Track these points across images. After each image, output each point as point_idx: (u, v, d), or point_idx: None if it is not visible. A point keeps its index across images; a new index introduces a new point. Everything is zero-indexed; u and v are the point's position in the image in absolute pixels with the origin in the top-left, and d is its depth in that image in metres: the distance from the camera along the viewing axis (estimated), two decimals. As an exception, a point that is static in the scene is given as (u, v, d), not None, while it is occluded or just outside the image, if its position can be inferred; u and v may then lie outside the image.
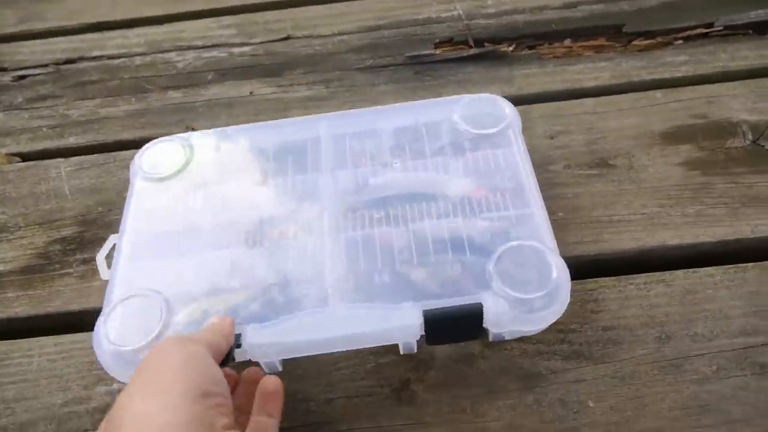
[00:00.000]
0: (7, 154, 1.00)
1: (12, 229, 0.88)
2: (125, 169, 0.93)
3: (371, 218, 0.69)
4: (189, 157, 0.79)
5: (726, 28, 0.97)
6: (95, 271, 0.81)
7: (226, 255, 0.68)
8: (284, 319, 0.61)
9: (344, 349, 0.62)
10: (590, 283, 0.70)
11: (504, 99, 0.78)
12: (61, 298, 0.79)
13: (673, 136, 0.83)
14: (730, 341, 0.65)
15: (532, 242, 0.63)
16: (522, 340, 0.66)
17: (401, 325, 0.59)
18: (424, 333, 0.59)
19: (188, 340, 0.53)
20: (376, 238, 0.67)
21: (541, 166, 0.82)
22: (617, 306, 0.68)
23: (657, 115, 0.86)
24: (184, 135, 0.82)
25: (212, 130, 0.83)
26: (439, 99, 0.82)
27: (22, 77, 1.11)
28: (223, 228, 0.71)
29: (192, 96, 1.03)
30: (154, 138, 0.83)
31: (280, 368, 0.65)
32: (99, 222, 0.87)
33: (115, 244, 0.72)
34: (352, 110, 0.82)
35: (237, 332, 0.60)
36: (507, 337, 0.65)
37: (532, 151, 0.82)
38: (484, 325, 0.59)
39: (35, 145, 1.00)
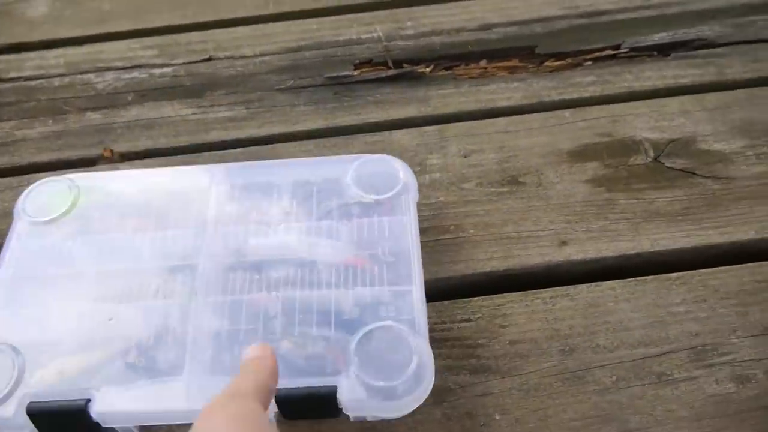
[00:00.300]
0: None
1: None
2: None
3: (245, 282, 0.66)
4: (75, 200, 0.75)
5: (632, 50, 1.02)
6: None
7: (95, 309, 0.66)
8: (140, 385, 0.59)
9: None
10: (498, 299, 0.72)
11: (400, 161, 0.75)
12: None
13: (580, 154, 0.86)
14: (630, 352, 0.67)
15: (400, 324, 0.61)
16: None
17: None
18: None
19: (237, 397, 0.45)
20: (244, 305, 0.64)
21: (454, 184, 0.84)
22: (524, 320, 0.70)
23: (565, 133, 0.89)
24: (71, 176, 0.78)
25: (102, 173, 0.81)
26: (338, 157, 0.81)
27: None
28: (95, 280, 0.68)
29: (111, 117, 1.01)
30: (71, 160, 0.82)
31: None
32: (9, 247, 0.85)
33: None
34: (251, 162, 0.79)
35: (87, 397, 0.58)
36: (369, 419, 0.62)
37: (447, 169, 0.84)
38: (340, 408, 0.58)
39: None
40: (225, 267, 0.68)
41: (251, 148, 0.91)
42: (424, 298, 0.64)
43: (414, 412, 0.61)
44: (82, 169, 0.89)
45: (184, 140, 0.95)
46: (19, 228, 0.74)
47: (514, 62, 1.03)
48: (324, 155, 0.87)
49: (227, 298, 0.65)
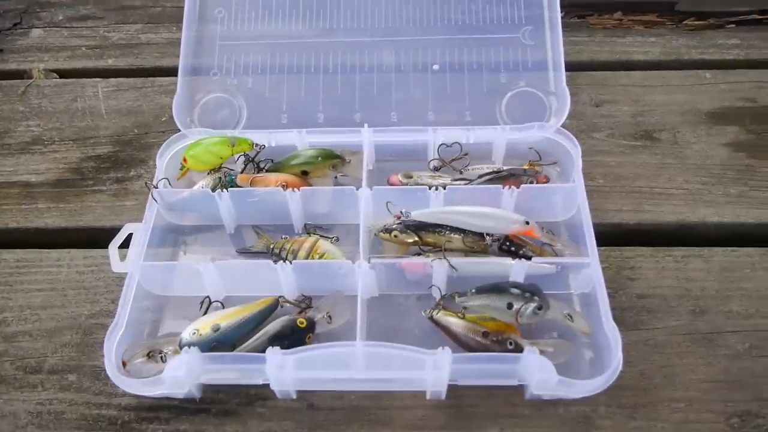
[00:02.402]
0: (44, 70, 0.97)
1: (46, 142, 0.87)
2: (163, 95, 0.92)
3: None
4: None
5: (781, 15, 0.95)
6: (128, 192, 0.80)
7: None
8: (306, 349, 0.57)
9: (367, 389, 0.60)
10: (628, 251, 0.69)
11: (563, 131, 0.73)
12: (92, 214, 0.78)
13: (721, 117, 0.81)
14: (765, 321, 0.63)
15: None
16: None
17: (434, 372, 0.55)
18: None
19: None
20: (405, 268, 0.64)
21: (584, 131, 0.80)
22: (654, 275, 0.67)
23: (705, 94, 0.84)
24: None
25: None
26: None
27: (64, -4, 1.08)
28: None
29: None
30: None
31: (294, 396, 0.61)
32: (135, 143, 0.86)
33: (131, 234, 0.68)
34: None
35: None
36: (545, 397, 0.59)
37: (577, 116, 0.80)
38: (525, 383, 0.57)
39: (74, 63, 0.98)
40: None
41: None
42: (601, 271, 0.61)
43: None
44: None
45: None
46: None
47: (652, 17, 0.97)
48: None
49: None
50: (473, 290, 0.60)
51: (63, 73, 0.97)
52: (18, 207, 0.79)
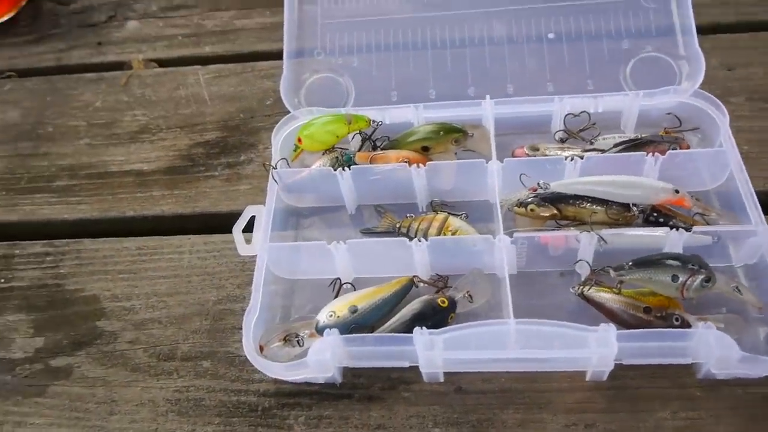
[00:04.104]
0: (144, 60, 0.97)
1: (153, 130, 0.86)
2: (264, 79, 0.90)
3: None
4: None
5: None
6: (240, 176, 0.79)
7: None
8: (456, 328, 0.53)
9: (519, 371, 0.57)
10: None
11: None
12: (207, 200, 0.77)
13: None
14: None
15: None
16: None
17: (599, 350, 0.52)
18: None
19: None
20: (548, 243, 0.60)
21: (720, 97, 0.74)
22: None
23: None
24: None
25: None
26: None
27: (156, -13, 1.07)
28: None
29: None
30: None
31: (441, 379, 0.58)
32: (242, 128, 0.84)
33: (253, 217, 0.66)
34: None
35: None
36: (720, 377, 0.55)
37: (707, 82, 0.75)
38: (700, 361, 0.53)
39: (172, 52, 0.97)
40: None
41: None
42: None
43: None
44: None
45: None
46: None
47: (774, -27, 0.91)
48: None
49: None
50: (630, 263, 0.56)
51: (162, 62, 0.96)
52: (133, 195, 0.79)
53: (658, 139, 0.66)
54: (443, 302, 0.59)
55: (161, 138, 0.85)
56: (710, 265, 0.57)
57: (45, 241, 0.75)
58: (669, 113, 0.68)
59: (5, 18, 1.05)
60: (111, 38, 1.01)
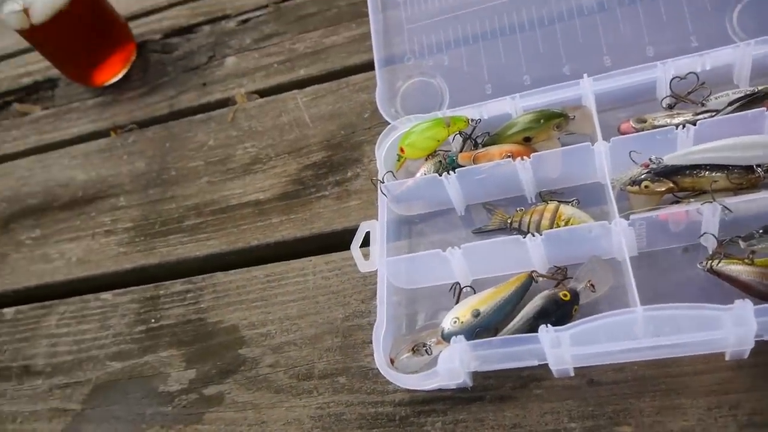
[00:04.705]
0: (245, 93, 1.01)
1: (264, 160, 0.90)
2: (359, 92, 0.92)
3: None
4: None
5: None
6: (350, 192, 0.81)
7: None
8: (582, 322, 0.52)
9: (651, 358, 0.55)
10: None
11: None
12: (322, 220, 0.80)
13: None
14: None
15: None
16: None
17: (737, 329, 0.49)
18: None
19: None
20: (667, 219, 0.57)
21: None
22: None
23: None
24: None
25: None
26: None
27: (246, 21, 1.12)
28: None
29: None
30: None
31: (572, 374, 0.58)
32: (344, 144, 0.87)
33: (368, 232, 0.68)
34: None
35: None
36: None
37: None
38: None
39: (269, 81, 1.01)
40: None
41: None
42: None
43: None
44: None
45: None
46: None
47: None
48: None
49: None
50: (761, 231, 0.53)
51: (262, 93, 1.00)
52: (255, 225, 0.83)
53: (777, 90, 0.62)
54: (565, 296, 0.58)
55: (272, 166, 0.89)
56: None
57: (184, 279, 0.81)
58: (786, 60, 0.63)
59: (120, 75, 1.13)
60: (213, 77, 1.06)
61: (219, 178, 0.91)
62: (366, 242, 0.68)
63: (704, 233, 0.57)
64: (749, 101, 0.61)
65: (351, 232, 0.69)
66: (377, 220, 0.69)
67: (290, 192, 0.85)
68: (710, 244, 0.56)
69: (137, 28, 1.18)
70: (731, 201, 0.55)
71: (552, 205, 0.64)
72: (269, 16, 1.10)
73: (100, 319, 0.82)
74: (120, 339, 0.79)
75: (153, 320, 0.79)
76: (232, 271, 0.80)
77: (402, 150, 0.74)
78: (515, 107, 0.72)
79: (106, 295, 0.84)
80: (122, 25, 1.13)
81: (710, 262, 0.55)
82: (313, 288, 0.73)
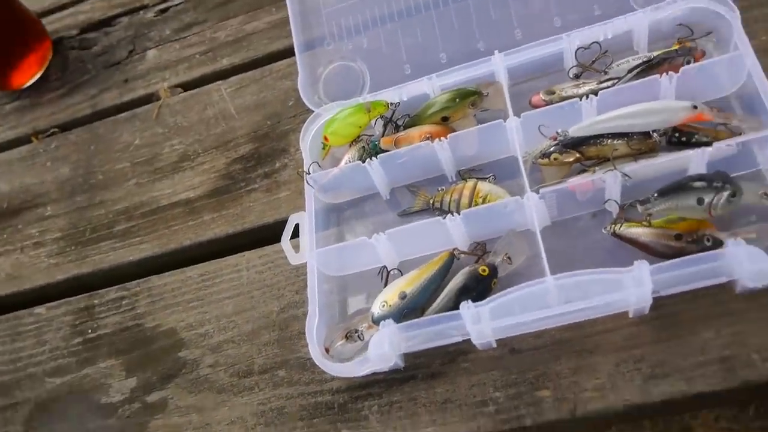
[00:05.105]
0: (169, 87, 1.04)
1: (192, 156, 0.94)
2: (283, 80, 0.95)
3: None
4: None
5: None
6: (279, 183, 0.85)
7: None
8: (499, 296, 0.58)
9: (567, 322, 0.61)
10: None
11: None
12: (253, 214, 0.84)
13: None
14: None
15: None
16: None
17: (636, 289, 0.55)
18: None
19: None
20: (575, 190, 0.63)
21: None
22: None
23: None
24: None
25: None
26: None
27: (164, 10, 1.14)
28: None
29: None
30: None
31: (495, 345, 0.63)
32: (271, 135, 0.91)
33: (297, 224, 0.72)
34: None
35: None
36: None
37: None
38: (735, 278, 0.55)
39: (192, 73, 1.04)
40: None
41: None
42: None
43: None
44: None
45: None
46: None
47: None
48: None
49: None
50: (655, 194, 0.59)
51: (186, 86, 1.03)
52: (186, 224, 0.87)
53: (672, 55, 0.67)
54: (484, 270, 0.64)
55: (200, 162, 0.93)
56: (739, 173, 0.59)
57: (118, 286, 0.85)
58: (680, 24, 0.69)
59: (37, 76, 1.14)
60: (135, 72, 1.08)
61: (147, 178, 0.95)
62: (297, 233, 0.72)
63: (608, 200, 0.63)
64: (646, 68, 0.67)
65: (283, 224, 0.73)
66: (305, 211, 0.74)
67: (220, 188, 0.89)
68: (614, 209, 0.63)
69: (51, 24, 1.19)
70: (630, 168, 0.61)
71: (470, 183, 0.70)
72: (188, 4, 1.13)
73: (36, 335, 0.85)
74: (57, 354, 0.82)
75: (90, 331, 0.83)
76: (167, 274, 0.83)
77: (326, 138, 0.78)
78: (433, 87, 0.77)
79: (40, 310, 0.87)
80: (34, 21, 1.13)
81: (613, 226, 0.61)
82: (248, 283, 0.78)
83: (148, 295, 0.83)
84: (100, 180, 0.98)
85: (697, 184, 0.57)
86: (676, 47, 0.68)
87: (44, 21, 1.17)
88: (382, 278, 0.69)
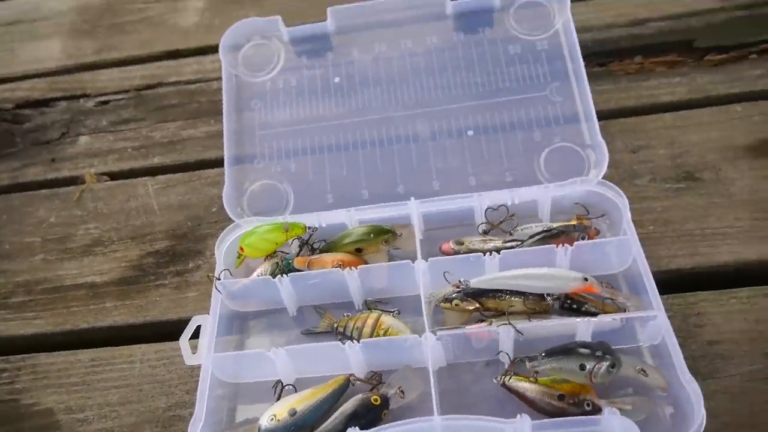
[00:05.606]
0: (95, 173, 1.00)
1: (106, 243, 0.89)
2: (210, 187, 0.94)
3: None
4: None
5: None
6: (189, 283, 0.82)
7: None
8: (384, 428, 0.57)
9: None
10: (690, 297, 0.68)
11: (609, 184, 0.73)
12: (157, 308, 0.80)
13: (760, 150, 0.81)
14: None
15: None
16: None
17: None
18: None
19: None
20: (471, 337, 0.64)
21: (626, 179, 0.80)
22: (721, 320, 0.66)
23: (739, 128, 0.84)
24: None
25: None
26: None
27: (105, 102, 1.11)
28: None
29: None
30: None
31: None
32: (189, 236, 0.88)
33: (199, 326, 0.70)
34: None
35: None
36: None
37: (615, 165, 0.80)
38: None
39: (122, 165, 1.01)
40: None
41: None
42: (668, 323, 0.61)
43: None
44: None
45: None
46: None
47: (672, 57, 0.98)
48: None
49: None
50: (543, 354, 0.60)
51: (113, 175, 1.00)
52: (87, 308, 0.81)
53: (569, 228, 0.71)
54: (376, 400, 0.62)
55: (113, 250, 0.88)
56: (619, 346, 0.61)
57: (1, 358, 0.77)
58: (577, 203, 0.73)
59: (-38, 140, 1.08)
60: (64, 154, 1.04)
61: (55, 256, 0.89)
62: (197, 335, 0.68)
63: (501, 351, 0.63)
64: (546, 236, 0.70)
65: (185, 323, 0.70)
66: (210, 314, 0.70)
67: (129, 277, 0.84)
68: (506, 361, 0.63)
69: (-11, 94, 1.14)
70: (523, 325, 0.62)
71: (375, 314, 0.69)
72: (129, 101, 1.11)
73: None
74: None
75: (-40, 400, 0.74)
76: (56, 353, 0.77)
77: (242, 249, 0.76)
78: (351, 219, 0.77)
79: None
80: (-29, 90, 1.09)
81: (503, 377, 0.61)
82: (139, 375, 0.73)
83: (31, 372, 0.76)
84: (5, 249, 0.91)
85: (582, 350, 0.58)
86: (574, 222, 0.71)
87: (-19, 90, 1.12)
88: (275, 392, 0.65)
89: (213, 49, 1.12)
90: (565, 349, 0.59)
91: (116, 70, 1.15)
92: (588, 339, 0.61)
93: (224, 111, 0.86)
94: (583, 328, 0.61)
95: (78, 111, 1.10)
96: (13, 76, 1.16)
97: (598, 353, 0.57)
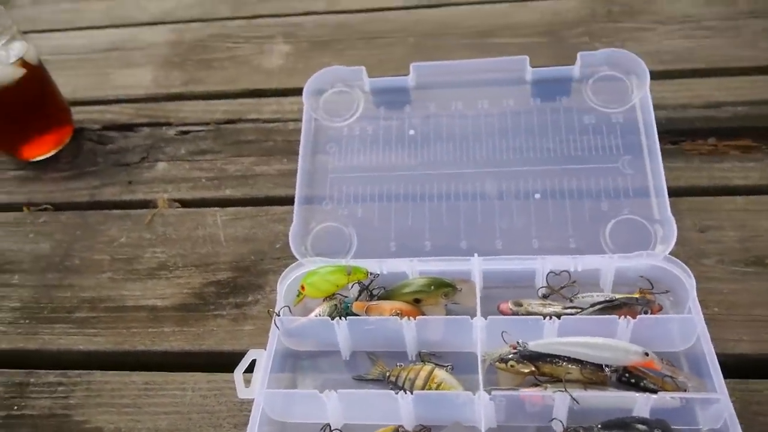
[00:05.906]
0: (168, 199, 1.03)
1: (171, 267, 0.91)
2: (276, 223, 0.95)
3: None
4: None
5: None
6: (246, 316, 0.82)
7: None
8: None
9: None
10: (753, 384, 0.65)
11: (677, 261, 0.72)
12: (213, 338, 0.80)
13: (834, 239, 0.78)
14: None
15: None
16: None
17: None
18: None
19: None
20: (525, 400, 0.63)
21: (692, 258, 0.78)
22: (785, 411, 0.63)
23: (813, 218, 0.81)
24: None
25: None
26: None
27: (185, 132, 1.15)
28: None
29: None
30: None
31: None
32: (252, 269, 0.89)
33: (254, 360, 0.70)
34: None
35: None
36: None
37: (682, 243, 0.79)
38: None
39: (195, 194, 1.03)
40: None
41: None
42: (732, 408, 0.59)
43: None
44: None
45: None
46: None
47: (747, 142, 0.97)
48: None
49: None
50: (599, 425, 0.58)
51: (185, 203, 1.02)
52: (146, 330, 0.83)
53: (632, 301, 0.69)
54: (424, 454, 0.61)
55: (177, 275, 0.90)
56: (678, 427, 0.59)
57: (59, 371, 0.79)
58: (642, 276, 0.72)
59: (48, 155, 1.13)
60: (141, 178, 1.08)
61: (122, 276, 0.91)
62: (251, 369, 0.69)
63: (554, 418, 0.62)
64: (608, 306, 0.69)
65: (239, 355, 0.69)
66: (266, 349, 0.70)
67: (189, 304, 0.85)
68: (559, 429, 0.61)
69: (78, 113, 1.19)
70: (580, 394, 0.60)
71: (428, 367, 0.68)
72: (209, 133, 1.14)
73: (-38, 398, 0.78)
74: (-24, 420, 0.75)
75: (15, 407, 0.76)
76: (111, 372, 0.78)
77: (303, 287, 0.77)
78: (412, 269, 0.77)
79: (-26, 372, 0.80)
80: (63, 106, 1.14)
81: (556, 446, 0.59)
82: (189, 404, 0.73)
83: (86, 388, 0.77)
84: (75, 264, 0.94)
85: (640, 426, 0.56)
86: (637, 295, 0.70)
87: (73, 109, 1.18)
88: (323, 435, 0.65)
89: (293, 92, 1.17)
90: (623, 423, 0.57)
91: (200, 103, 1.19)
92: (646, 415, 0.59)
93: (300, 151, 0.88)
94: (642, 403, 0.59)
95: (159, 138, 1.14)
96: (105, 99, 1.22)
97: (657, 431, 0.55)
